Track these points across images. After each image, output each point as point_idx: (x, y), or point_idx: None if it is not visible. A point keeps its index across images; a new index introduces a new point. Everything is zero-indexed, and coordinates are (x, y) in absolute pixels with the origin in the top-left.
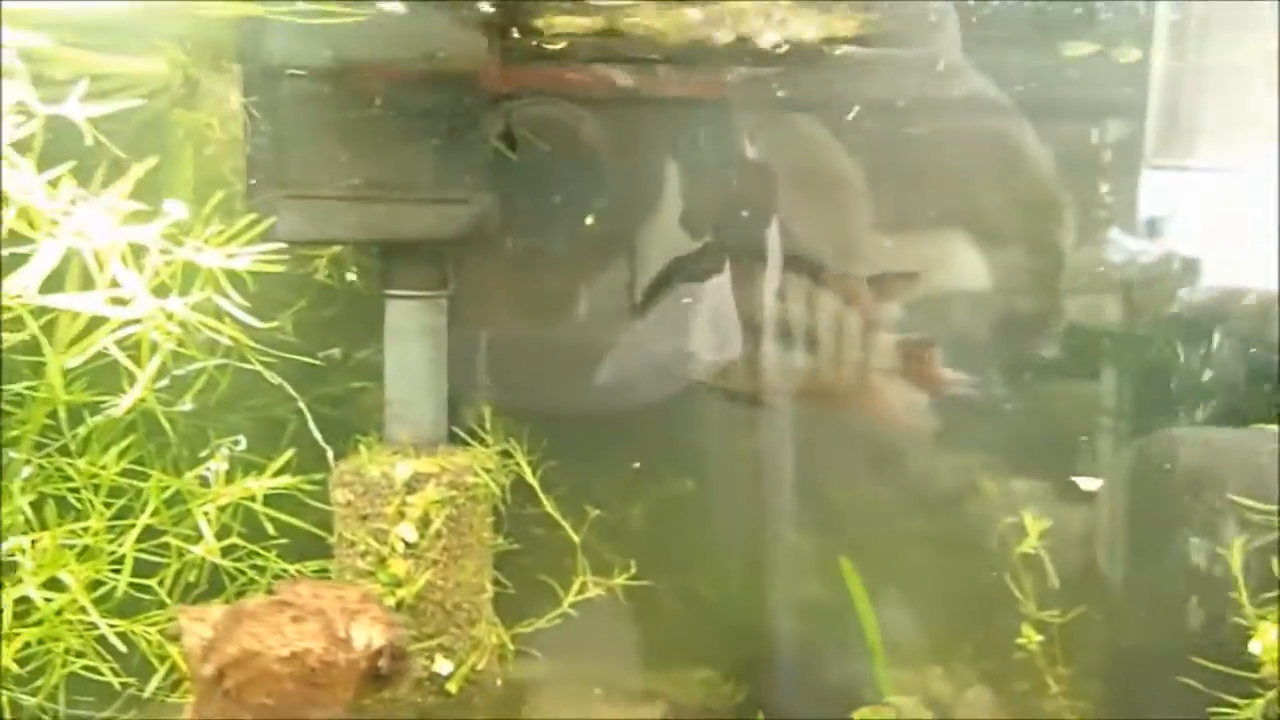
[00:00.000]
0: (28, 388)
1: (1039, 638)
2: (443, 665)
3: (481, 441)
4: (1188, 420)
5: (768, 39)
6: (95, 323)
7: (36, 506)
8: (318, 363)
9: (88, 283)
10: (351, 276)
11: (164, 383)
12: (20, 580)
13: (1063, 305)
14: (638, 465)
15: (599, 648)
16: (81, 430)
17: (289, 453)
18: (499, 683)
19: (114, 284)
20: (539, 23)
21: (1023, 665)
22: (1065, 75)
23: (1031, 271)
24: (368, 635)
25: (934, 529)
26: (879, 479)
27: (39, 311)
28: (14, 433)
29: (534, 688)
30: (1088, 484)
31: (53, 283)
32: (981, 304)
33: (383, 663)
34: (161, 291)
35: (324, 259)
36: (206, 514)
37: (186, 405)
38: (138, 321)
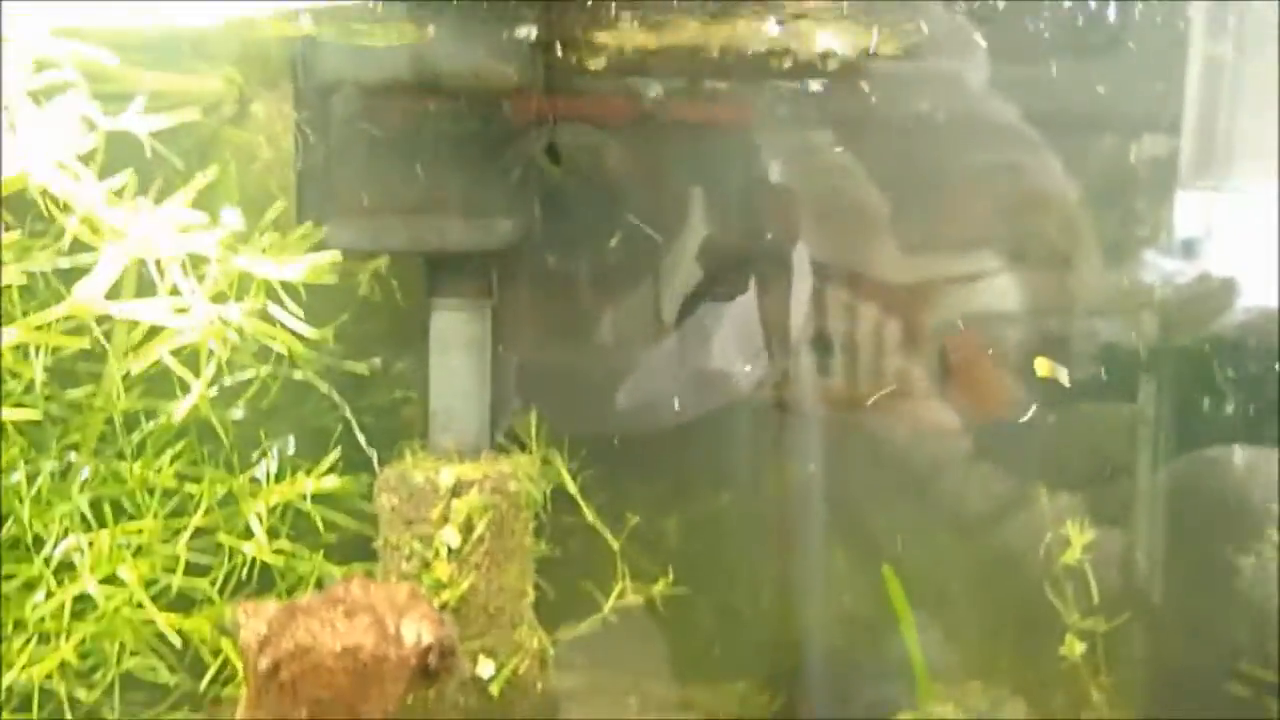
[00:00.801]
0: (87, 395)
1: (1081, 646)
2: (485, 667)
3: (525, 449)
4: (1227, 440)
5: (814, 48)
6: (153, 331)
7: (93, 508)
8: (361, 371)
9: (143, 291)
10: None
11: (214, 391)
12: (77, 578)
13: (1097, 326)
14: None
15: (637, 659)
16: (137, 436)
17: (335, 452)
18: (539, 686)
19: (174, 292)
20: (590, 38)
21: (1064, 676)
22: (1099, 92)
23: (1064, 293)
24: (417, 632)
25: (975, 542)
26: (918, 491)
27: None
28: (74, 437)
29: (571, 696)
30: (1061, 373)
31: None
32: (1014, 325)
33: (432, 659)
34: (219, 300)
35: (366, 273)
36: (259, 514)
37: (239, 412)
38: (194, 330)
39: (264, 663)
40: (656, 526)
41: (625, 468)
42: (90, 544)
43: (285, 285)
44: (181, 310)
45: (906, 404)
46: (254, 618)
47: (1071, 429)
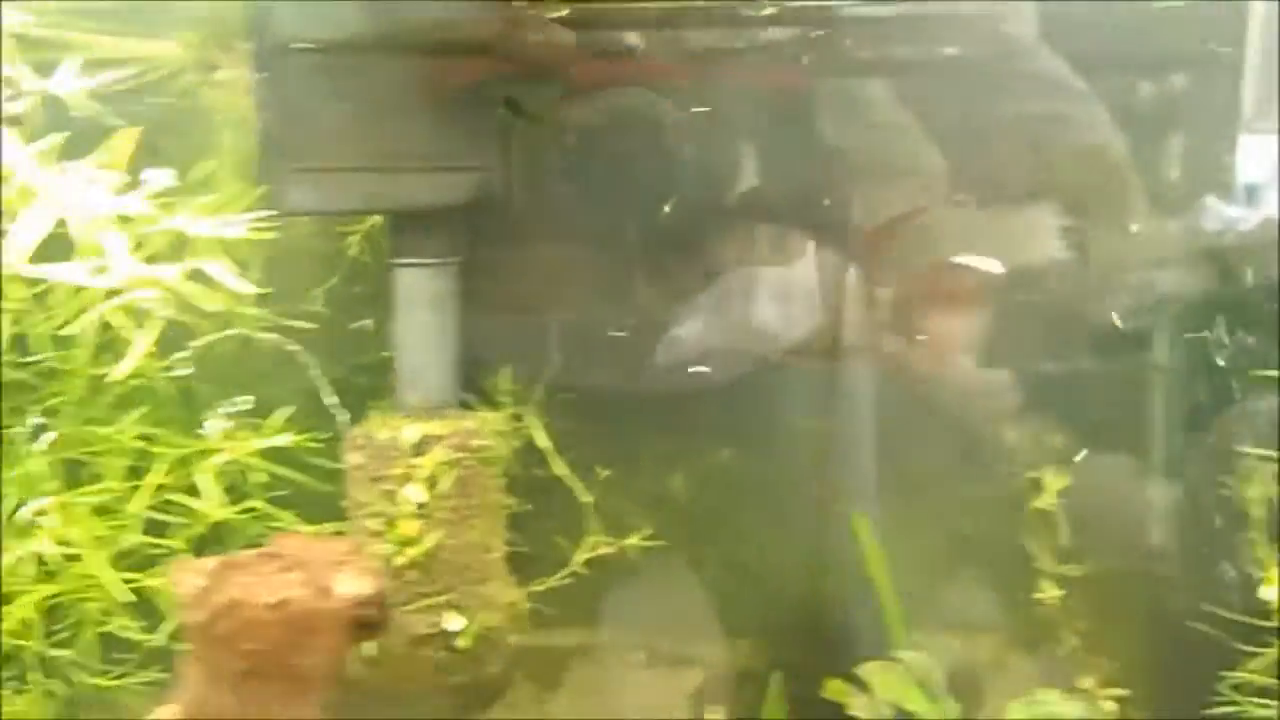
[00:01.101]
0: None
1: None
2: (453, 622)
3: (496, 406)
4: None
5: None
6: (110, 294)
7: (55, 470)
8: (308, 327)
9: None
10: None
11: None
12: (36, 537)
13: (1146, 277)
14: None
15: (645, 616)
16: (107, 399)
17: (289, 409)
18: (511, 639)
19: (98, 253)
20: None
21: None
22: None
23: (1110, 245)
24: (351, 585)
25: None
26: (925, 443)
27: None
28: (50, 402)
29: (580, 652)
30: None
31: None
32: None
33: (367, 611)
34: (162, 260)
35: (358, 235)
36: (219, 470)
37: (188, 370)
38: (120, 291)
39: (199, 617)
40: (662, 483)
41: (632, 424)
42: (56, 507)
43: (272, 246)
44: (101, 271)
45: (881, 349)
46: (190, 573)
47: (1115, 381)
